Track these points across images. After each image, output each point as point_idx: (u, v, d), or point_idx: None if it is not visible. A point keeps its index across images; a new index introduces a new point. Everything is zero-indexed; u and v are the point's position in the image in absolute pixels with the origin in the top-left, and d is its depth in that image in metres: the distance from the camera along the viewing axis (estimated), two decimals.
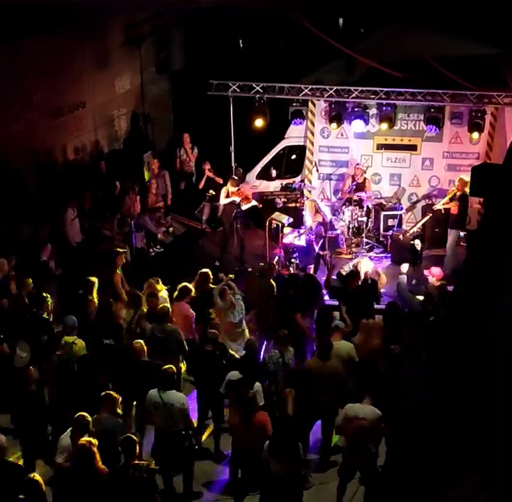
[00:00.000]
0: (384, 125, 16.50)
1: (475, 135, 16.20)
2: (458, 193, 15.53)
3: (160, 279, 12.77)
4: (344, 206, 16.84)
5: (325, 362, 10.25)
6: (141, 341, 10.71)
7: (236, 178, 16.87)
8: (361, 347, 10.90)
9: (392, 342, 10.74)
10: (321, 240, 15.85)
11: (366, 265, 14.93)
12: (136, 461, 8.30)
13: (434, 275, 13.06)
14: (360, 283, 12.81)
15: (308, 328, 12.28)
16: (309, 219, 16.83)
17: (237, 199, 16.44)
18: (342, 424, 9.31)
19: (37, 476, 8.03)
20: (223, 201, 16.62)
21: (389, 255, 16.48)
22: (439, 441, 3.62)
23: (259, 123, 16.87)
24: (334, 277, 14.45)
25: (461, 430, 3.94)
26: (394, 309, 11.70)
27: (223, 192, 16.61)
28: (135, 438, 8.52)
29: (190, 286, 12.33)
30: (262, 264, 14.13)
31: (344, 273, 14.05)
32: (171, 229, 18.13)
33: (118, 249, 13.93)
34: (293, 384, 9.98)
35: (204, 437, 11.04)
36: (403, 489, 3.29)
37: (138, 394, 10.13)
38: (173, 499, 9.65)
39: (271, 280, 13.01)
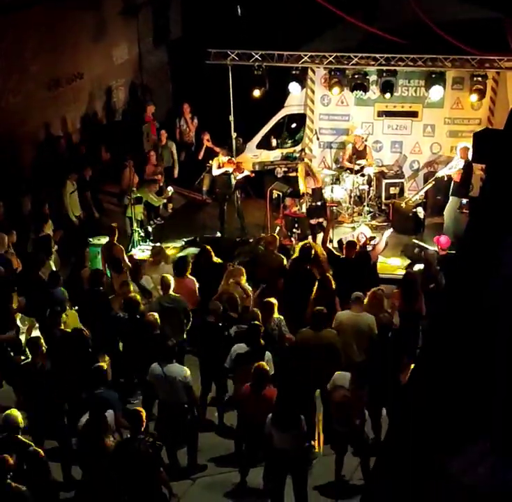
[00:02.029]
0: (384, 92, 16.30)
1: (476, 100, 16.02)
2: (462, 160, 15.37)
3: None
4: (345, 174, 16.71)
5: (317, 332, 10.15)
6: (155, 314, 10.68)
7: (226, 147, 16.73)
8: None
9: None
10: (314, 208, 15.58)
11: (367, 233, 14.82)
12: (141, 436, 8.27)
13: (441, 244, 12.95)
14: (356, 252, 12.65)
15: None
16: (301, 184, 16.52)
17: (230, 169, 16.29)
18: (330, 392, 9.28)
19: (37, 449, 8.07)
20: (215, 172, 16.46)
21: (391, 223, 16.35)
22: (443, 407, 3.58)
23: (258, 91, 16.69)
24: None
25: (465, 396, 3.89)
26: (411, 279, 11.57)
27: (215, 162, 16.45)
28: (143, 412, 8.47)
29: (189, 258, 12.26)
30: (264, 236, 14.02)
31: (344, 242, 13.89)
32: (170, 205, 17.99)
33: (113, 224, 13.78)
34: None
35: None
36: (405, 457, 3.25)
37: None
38: (177, 472, 9.66)
39: (278, 253, 12.92)
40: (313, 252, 12.35)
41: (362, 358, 10.29)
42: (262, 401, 8.99)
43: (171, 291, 11.35)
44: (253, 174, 17.19)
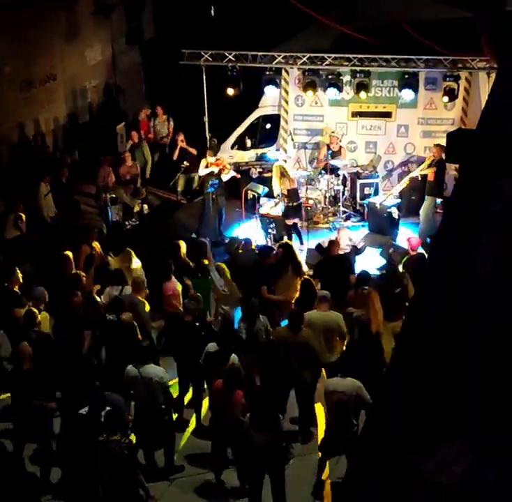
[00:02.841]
0: (358, 92, 16.37)
1: (448, 100, 16.14)
2: (435, 160, 15.48)
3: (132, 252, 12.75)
4: (320, 175, 16.75)
5: (295, 333, 10.18)
6: (129, 313, 10.68)
7: (214, 148, 16.74)
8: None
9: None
10: (290, 209, 15.64)
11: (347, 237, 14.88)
12: (117, 437, 8.25)
13: (412, 244, 13.03)
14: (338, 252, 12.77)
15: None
16: (275, 183, 16.56)
17: (216, 170, 16.30)
18: (324, 399, 9.31)
19: None
20: (202, 171, 16.47)
21: (366, 223, 16.42)
22: (419, 407, 3.61)
23: (232, 92, 16.69)
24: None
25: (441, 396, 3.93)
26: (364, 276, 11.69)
27: (202, 163, 16.46)
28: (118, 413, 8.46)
29: (170, 261, 12.29)
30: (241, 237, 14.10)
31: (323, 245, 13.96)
32: (145, 205, 17.95)
33: (93, 228, 13.81)
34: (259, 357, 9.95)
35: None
36: (380, 457, 3.28)
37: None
38: (155, 474, 9.64)
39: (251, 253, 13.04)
40: (290, 252, 12.50)
41: (333, 358, 10.35)
42: (232, 400, 9.03)
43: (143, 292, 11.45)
44: (239, 175, 17.18)
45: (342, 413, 8.98)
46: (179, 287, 12.02)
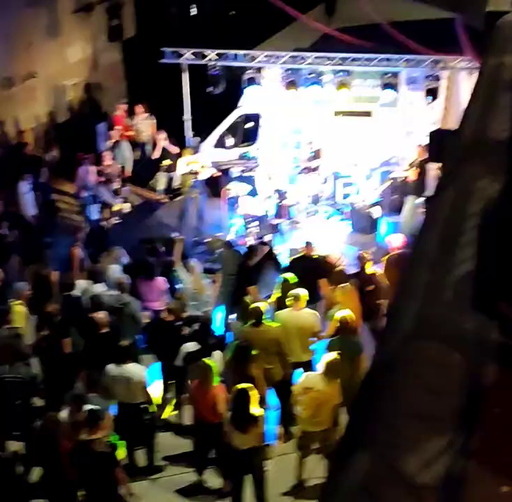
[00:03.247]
0: (339, 92, 16.40)
1: (430, 99, 16.20)
2: (417, 159, 15.54)
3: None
4: (300, 174, 16.77)
5: (255, 329, 10.19)
6: (105, 312, 10.66)
7: (193, 146, 16.72)
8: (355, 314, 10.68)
9: None
10: (276, 208, 15.79)
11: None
12: (98, 436, 8.23)
13: (393, 243, 13.08)
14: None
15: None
16: (263, 187, 16.67)
17: (195, 168, 16.28)
18: (298, 394, 9.31)
19: None
20: (181, 170, 16.45)
21: (347, 223, 16.45)
22: (395, 405, 3.61)
23: (213, 90, 16.68)
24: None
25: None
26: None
27: (180, 161, 16.44)
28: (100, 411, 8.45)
29: (151, 260, 12.31)
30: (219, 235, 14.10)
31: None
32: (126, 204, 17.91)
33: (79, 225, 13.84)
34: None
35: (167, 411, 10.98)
36: (358, 457, 3.28)
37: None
38: (135, 473, 9.62)
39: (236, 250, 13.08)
40: (270, 250, 12.53)
41: (308, 357, 10.37)
42: (208, 398, 9.02)
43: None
44: (219, 173, 17.17)
45: (315, 410, 9.01)
46: (163, 285, 12.03)
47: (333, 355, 9.39)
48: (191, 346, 10.03)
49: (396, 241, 13.12)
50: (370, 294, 11.76)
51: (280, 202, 15.92)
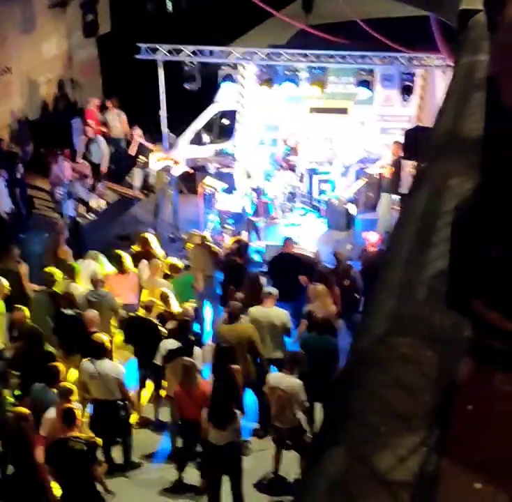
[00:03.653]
0: (314, 88, 16.42)
1: (406, 98, 16.27)
2: (393, 156, 15.61)
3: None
4: (277, 171, 16.79)
5: (230, 326, 10.21)
6: (94, 311, 10.67)
7: (167, 146, 16.70)
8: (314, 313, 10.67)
9: None
10: (253, 206, 15.85)
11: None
12: (75, 434, 8.21)
13: (370, 240, 13.15)
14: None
15: None
16: (240, 184, 16.71)
17: (168, 164, 16.24)
18: (268, 393, 9.36)
19: None
20: (154, 166, 16.42)
21: (323, 220, 16.49)
22: (368, 403, 3.65)
23: (189, 87, 16.65)
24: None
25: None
26: (322, 276, 11.73)
27: (152, 158, 16.41)
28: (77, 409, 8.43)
29: (120, 252, 12.26)
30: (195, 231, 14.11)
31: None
32: (102, 201, 17.84)
33: (60, 223, 13.78)
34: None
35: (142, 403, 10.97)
36: (333, 455, 3.32)
37: None
38: (112, 469, 9.61)
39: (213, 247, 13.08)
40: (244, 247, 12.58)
41: (279, 354, 10.39)
42: (193, 396, 9.03)
43: (102, 287, 11.44)
44: (192, 170, 17.13)
45: (282, 408, 9.07)
46: (134, 281, 12.02)
47: (298, 352, 9.50)
48: (171, 344, 10.03)
49: (372, 238, 13.19)
50: (347, 290, 11.82)
51: (258, 199, 15.93)
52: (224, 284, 12.37)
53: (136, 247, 13.15)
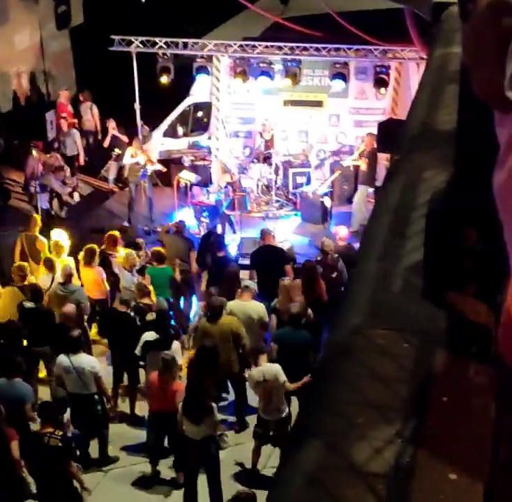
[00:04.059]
0: (289, 81, 16.42)
1: (380, 90, 16.31)
2: (367, 149, 15.65)
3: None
4: (252, 164, 16.78)
5: (214, 323, 10.20)
6: (72, 305, 10.62)
7: (140, 138, 16.63)
8: (283, 308, 10.74)
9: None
10: (229, 200, 15.83)
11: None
12: (51, 429, 8.17)
13: (339, 234, 13.17)
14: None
15: None
16: (217, 178, 16.70)
17: (142, 160, 16.17)
18: (253, 388, 9.37)
19: None
20: (128, 160, 16.34)
21: (299, 213, 16.50)
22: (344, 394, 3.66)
23: (163, 79, 16.60)
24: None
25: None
26: (309, 269, 11.70)
27: (128, 152, 16.34)
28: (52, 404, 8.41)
29: (95, 247, 12.19)
30: (172, 224, 14.09)
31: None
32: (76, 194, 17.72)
33: (35, 215, 13.71)
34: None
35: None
36: (311, 443, 3.33)
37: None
38: (88, 465, 9.57)
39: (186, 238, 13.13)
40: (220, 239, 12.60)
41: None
42: (167, 390, 9.02)
43: (73, 281, 11.38)
44: (165, 169, 17.07)
45: (270, 399, 9.08)
46: (98, 275, 11.96)
47: (274, 346, 9.54)
48: (150, 336, 10.00)
49: (342, 232, 13.22)
50: (334, 282, 11.72)
51: (233, 192, 15.91)
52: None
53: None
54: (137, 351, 10.07)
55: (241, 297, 10.77)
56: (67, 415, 8.87)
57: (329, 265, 12.04)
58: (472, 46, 1.40)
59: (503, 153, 1.37)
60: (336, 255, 12.18)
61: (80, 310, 11.12)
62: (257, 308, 10.68)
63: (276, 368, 9.17)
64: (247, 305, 10.64)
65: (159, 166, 16.73)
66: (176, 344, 9.88)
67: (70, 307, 10.55)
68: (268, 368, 9.23)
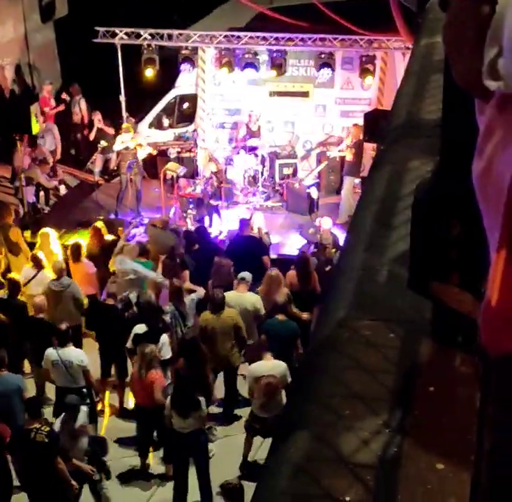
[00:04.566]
0: (274, 72, 16.38)
1: (366, 80, 16.31)
2: (353, 140, 15.64)
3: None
4: (238, 155, 16.75)
5: (217, 315, 10.18)
6: (42, 297, 10.57)
7: (128, 124, 16.56)
8: (264, 299, 10.76)
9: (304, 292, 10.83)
10: (214, 190, 15.79)
11: (259, 220, 14.78)
12: (37, 425, 8.13)
13: (322, 226, 13.17)
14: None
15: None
16: (202, 168, 16.67)
17: (131, 145, 16.10)
18: (251, 385, 9.28)
19: None
20: (117, 147, 16.28)
21: (285, 204, 16.48)
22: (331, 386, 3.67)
23: (148, 71, 16.54)
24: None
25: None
26: (305, 259, 11.67)
27: (118, 139, 16.29)
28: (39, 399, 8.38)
29: (80, 242, 12.14)
30: (160, 217, 14.06)
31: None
32: (62, 186, 17.65)
33: (12, 206, 13.63)
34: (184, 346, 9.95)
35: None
36: (298, 435, 3.33)
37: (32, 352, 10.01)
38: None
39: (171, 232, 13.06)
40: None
41: (250, 340, 10.39)
42: (144, 383, 9.02)
43: (64, 276, 11.26)
44: (155, 152, 17.02)
45: (272, 395, 9.00)
46: (88, 269, 11.91)
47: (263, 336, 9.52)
48: (140, 329, 9.96)
49: (326, 224, 13.21)
50: (327, 276, 11.69)
51: (219, 183, 15.88)
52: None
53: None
54: (128, 345, 10.02)
55: (236, 289, 10.74)
56: (83, 417, 8.73)
57: (325, 258, 12.04)
58: (452, 34, 1.39)
59: (481, 141, 1.37)
60: (334, 250, 12.20)
61: (76, 305, 11.10)
62: (252, 300, 10.63)
63: (284, 367, 9.10)
64: (243, 297, 10.61)
65: (149, 149, 16.67)
66: (164, 337, 9.83)
67: (39, 299, 10.50)
68: (275, 365, 9.14)
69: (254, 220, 14.08)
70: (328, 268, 11.79)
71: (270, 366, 9.14)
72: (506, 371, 1.43)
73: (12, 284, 10.98)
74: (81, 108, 18.76)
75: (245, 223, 12.96)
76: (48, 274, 11.52)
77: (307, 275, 11.24)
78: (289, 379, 9.03)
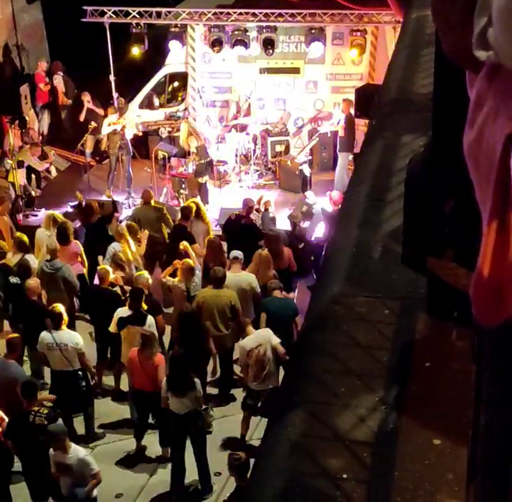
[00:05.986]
0: (265, 48, 16.25)
1: (356, 55, 16.20)
2: (345, 115, 15.56)
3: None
4: (229, 133, 16.65)
5: (217, 290, 10.19)
6: (36, 279, 10.51)
7: (115, 106, 16.44)
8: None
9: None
10: (200, 167, 15.57)
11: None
12: (36, 407, 8.13)
13: (333, 199, 13.13)
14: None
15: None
16: (182, 143, 16.43)
17: (118, 127, 15.99)
18: (244, 361, 9.25)
19: None
20: (105, 130, 16.18)
21: (278, 182, 16.41)
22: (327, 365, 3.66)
23: (137, 50, 16.41)
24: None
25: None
26: (272, 238, 11.61)
27: (105, 122, 16.17)
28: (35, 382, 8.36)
29: (68, 223, 12.08)
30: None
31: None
32: (53, 168, 17.55)
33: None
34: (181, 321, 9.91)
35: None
36: (294, 412, 3.32)
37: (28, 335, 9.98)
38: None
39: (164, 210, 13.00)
40: (196, 210, 12.47)
41: (247, 318, 10.37)
42: (146, 367, 9.00)
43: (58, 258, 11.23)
44: (141, 132, 16.91)
45: (263, 365, 9.01)
46: (75, 248, 11.85)
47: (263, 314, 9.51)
48: (124, 311, 9.92)
49: (335, 196, 13.18)
50: (302, 253, 11.80)
51: (208, 160, 15.75)
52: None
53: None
54: (111, 328, 9.94)
55: (230, 269, 10.68)
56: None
57: (295, 236, 12.02)
58: (441, 6, 1.37)
59: (472, 111, 1.35)
60: (304, 227, 12.22)
61: (68, 287, 11.06)
62: (249, 279, 10.57)
63: (268, 331, 9.09)
64: (238, 277, 10.55)
65: (134, 130, 16.56)
66: (150, 319, 9.77)
67: (32, 281, 10.46)
68: (259, 333, 9.16)
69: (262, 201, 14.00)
70: (301, 246, 11.84)
71: (255, 336, 9.14)
72: (498, 341, 1.42)
73: (23, 267, 10.93)
74: (69, 87, 18.60)
75: (246, 204, 12.85)
76: (33, 257, 11.50)
77: (277, 253, 11.17)
78: (275, 340, 8.99)
